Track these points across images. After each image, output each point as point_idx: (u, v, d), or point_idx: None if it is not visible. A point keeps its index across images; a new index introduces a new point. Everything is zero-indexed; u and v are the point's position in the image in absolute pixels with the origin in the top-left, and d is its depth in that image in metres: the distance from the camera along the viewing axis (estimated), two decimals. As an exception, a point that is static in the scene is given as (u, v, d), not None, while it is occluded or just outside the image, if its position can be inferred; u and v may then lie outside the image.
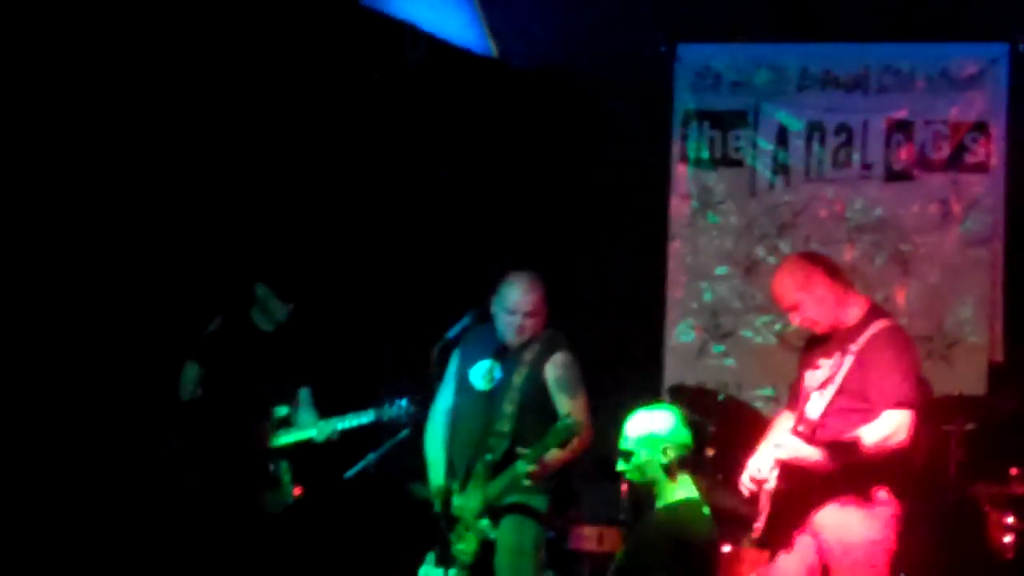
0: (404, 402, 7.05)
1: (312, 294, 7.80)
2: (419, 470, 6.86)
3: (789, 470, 6.02)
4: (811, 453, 5.98)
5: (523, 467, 6.41)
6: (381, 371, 8.29)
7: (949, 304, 8.42)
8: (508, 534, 6.56)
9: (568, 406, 6.58)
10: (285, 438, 7.41)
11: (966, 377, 8.21)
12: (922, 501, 6.54)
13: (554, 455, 6.47)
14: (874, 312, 6.27)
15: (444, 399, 6.81)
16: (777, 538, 6.13)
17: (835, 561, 6.02)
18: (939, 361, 8.29)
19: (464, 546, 6.50)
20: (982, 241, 8.40)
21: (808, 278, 6.18)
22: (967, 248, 8.44)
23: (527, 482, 6.45)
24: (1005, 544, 7.33)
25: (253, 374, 7.51)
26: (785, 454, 6.02)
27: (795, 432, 6.05)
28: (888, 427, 5.90)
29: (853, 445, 5.88)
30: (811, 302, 6.17)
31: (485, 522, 6.53)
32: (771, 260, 8.55)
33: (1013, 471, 7.40)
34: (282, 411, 7.44)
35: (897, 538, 6.04)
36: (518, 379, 6.63)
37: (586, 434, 6.54)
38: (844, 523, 5.99)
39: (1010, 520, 7.34)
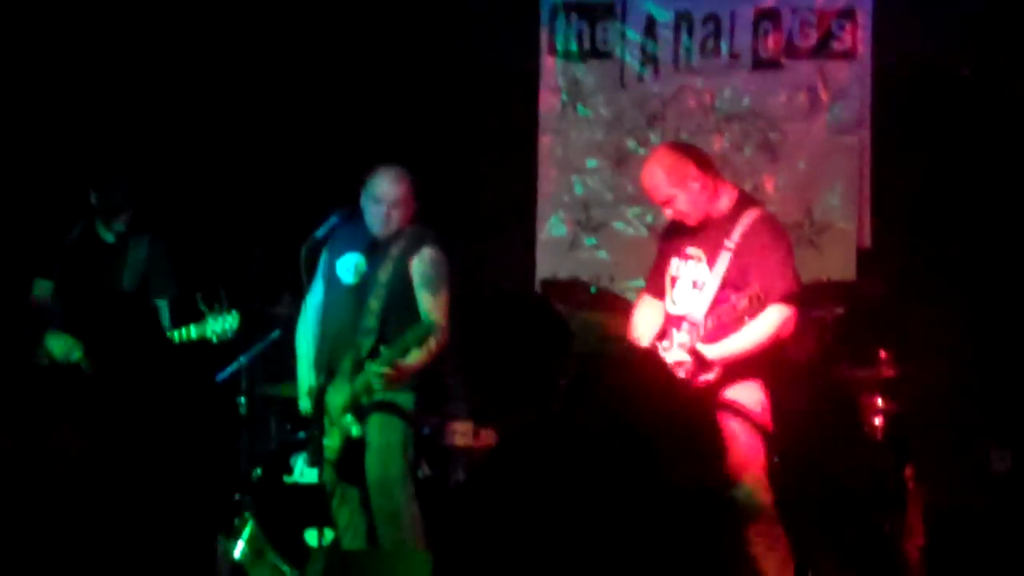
0: (232, 316, 6.83)
1: (156, 200, 7.50)
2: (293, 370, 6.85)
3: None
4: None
5: (375, 368, 6.40)
6: (249, 275, 8.30)
7: (818, 191, 8.50)
8: (375, 433, 6.59)
9: (428, 303, 6.60)
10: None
11: (835, 263, 8.36)
12: (792, 387, 6.65)
13: (413, 356, 6.46)
14: (744, 201, 6.39)
15: (315, 295, 6.78)
16: None
17: None
18: (808, 247, 8.34)
19: (329, 442, 6.52)
20: (849, 128, 8.45)
21: (680, 171, 6.20)
22: (835, 135, 8.50)
23: (379, 384, 6.42)
24: (875, 426, 7.37)
25: (95, 288, 7.19)
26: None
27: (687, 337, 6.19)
28: (775, 323, 6.01)
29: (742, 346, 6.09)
30: (684, 195, 6.22)
31: (348, 418, 6.53)
32: (641, 152, 8.52)
33: (882, 354, 7.52)
34: None
35: (770, 425, 6.20)
36: (384, 274, 6.63)
37: (443, 334, 6.55)
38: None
39: (879, 402, 7.36)
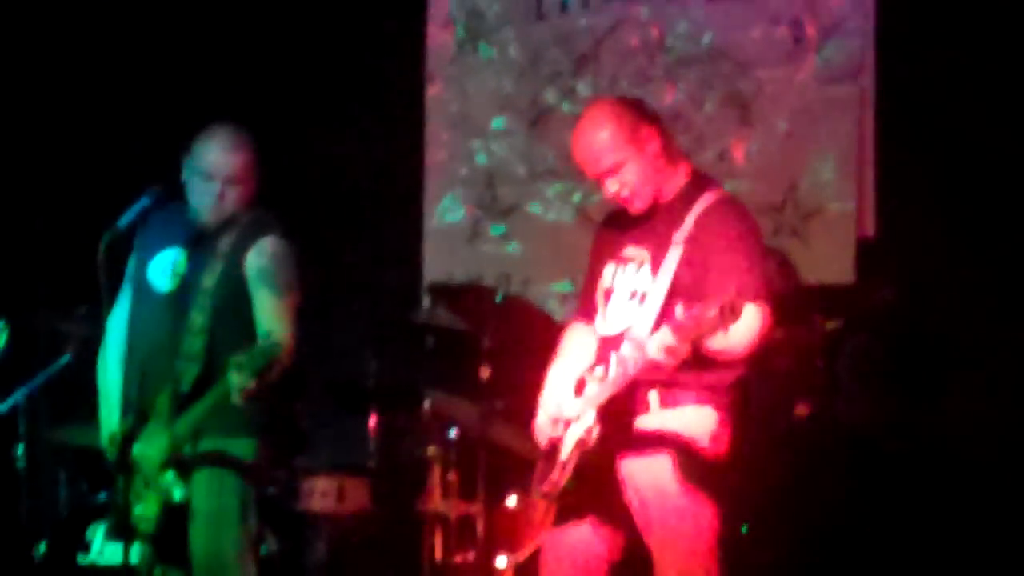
0: None
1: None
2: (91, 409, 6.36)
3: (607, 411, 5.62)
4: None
5: (236, 380, 5.71)
6: (29, 278, 8.06)
7: (804, 161, 8.17)
8: (203, 496, 6.12)
9: (269, 309, 6.14)
10: None
11: (828, 259, 8.03)
12: (768, 427, 6.63)
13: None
14: (698, 181, 5.81)
15: (120, 308, 6.36)
16: (581, 498, 5.70)
17: (648, 515, 5.60)
18: (791, 238, 8.04)
19: (143, 510, 6.05)
20: (847, 75, 8.13)
21: (632, 127, 5.74)
22: (827, 85, 8.16)
23: (238, 398, 5.71)
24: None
25: None
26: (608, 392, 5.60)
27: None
28: (755, 325, 5.55)
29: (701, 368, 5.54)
30: (637, 163, 5.73)
31: (169, 476, 6.04)
32: (566, 107, 8.31)
33: (890, 388, 7.38)
34: None
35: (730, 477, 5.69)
36: (210, 279, 6.19)
37: (289, 351, 6.05)
38: (659, 463, 5.60)
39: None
